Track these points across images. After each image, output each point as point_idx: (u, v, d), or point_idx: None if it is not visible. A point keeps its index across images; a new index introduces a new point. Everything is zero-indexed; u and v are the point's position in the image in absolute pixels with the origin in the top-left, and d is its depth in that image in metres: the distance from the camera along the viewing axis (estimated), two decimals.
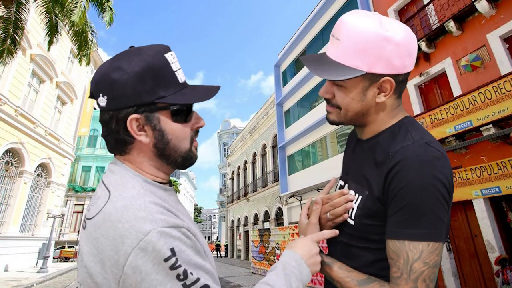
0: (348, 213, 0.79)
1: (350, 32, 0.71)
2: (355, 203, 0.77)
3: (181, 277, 0.52)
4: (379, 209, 0.71)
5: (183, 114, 0.66)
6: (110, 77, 0.61)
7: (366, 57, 0.70)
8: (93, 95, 0.65)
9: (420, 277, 0.62)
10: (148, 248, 0.51)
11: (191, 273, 0.53)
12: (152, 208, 0.56)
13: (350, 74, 0.71)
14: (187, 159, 0.69)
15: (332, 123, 0.84)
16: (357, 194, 0.78)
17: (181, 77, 0.66)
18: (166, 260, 0.51)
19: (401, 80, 0.74)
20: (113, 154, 0.68)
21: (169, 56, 0.65)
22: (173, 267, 0.51)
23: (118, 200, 0.57)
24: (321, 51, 10.98)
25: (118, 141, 0.64)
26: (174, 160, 0.67)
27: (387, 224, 0.68)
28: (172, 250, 0.52)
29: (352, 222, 0.77)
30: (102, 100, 0.62)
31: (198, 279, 0.53)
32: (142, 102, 0.61)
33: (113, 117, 0.62)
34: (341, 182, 0.89)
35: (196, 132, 0.71)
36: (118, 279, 0.53)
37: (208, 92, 0.67)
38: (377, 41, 0.69)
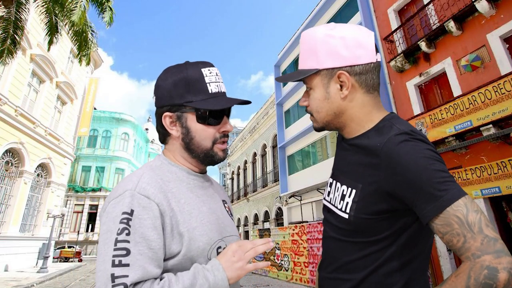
0: (341, 206, 0.79)
1: (303, 40, 0.83)
2: (350, 197, 0.77)
3: (119, 231, 0.63)
4: (376, 202, 0.72)
5: (205, 117, 0.79)
6: (158, 82, 0.82)
7: (316, 55, 0.78)
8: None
9: (482, 224, 0.60)
10: (119, 201, 0.67)
11: (127, 234, 0.63)
12: (145, 177, 0.72)
13: (305, 73, 0.79)
14: (208, 156, 0.82)
15: (316, 130, 0.88)
16: (349, 188, 0.78)
17: (212, 88, 0.80)
18: (123, 213, 0.65)
19: (359, 72, 0.77)
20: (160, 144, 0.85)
21: (205, 70, 0.80)
22: (122, 221, 0.64)
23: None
24: None
25: (160, 132, 0.84)
26: (197, 155, 0.82)
27: (420, 211, 0.66)
28: (132, 210, 0.65)
29: (346, 216, 0.77)
30: (154, 99, 0.83)
31: (127, 241, 0.63)
32: (173, 103, 0.79)
33: (157, 113, 0.82)
34: (330, 180, 0.90)
35: (224, 135, 0.84)
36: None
37: (226, 103, 0.79)
38: (322, 39, 0.78)
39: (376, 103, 0.81)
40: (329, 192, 0.88)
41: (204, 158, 0.82)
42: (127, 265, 0.61)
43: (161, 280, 0.64)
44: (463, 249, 0.60)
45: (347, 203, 0.77)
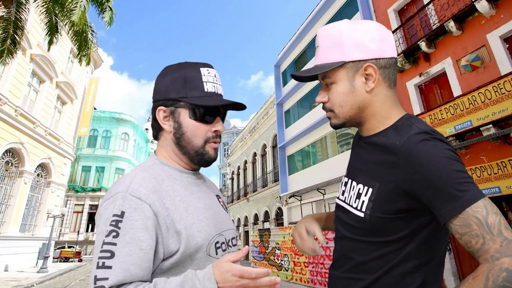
0: (356, 205, 0.78)
1: (324, 34, 0.81)
2: (366, 195, 0.76)
3: (107, 233, 0.63)
4: (393, 201, 0.71)
5: (197, 113, 0.80)
6: (157, 78, 0.85)
7: (341, 48, 0.77)
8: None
9: (501, 226, 0.59)
10: (110, 204, 0.67)
11: (114, 236, 0.63)
12: (137, 179, 0.72)
13: (330, 66, 0.77)
14: (199, 154, 0.81)
15: (335, 127, 0.85)
16: (366, 187, 0.77)
17: (208, 87, 0.81)
18: (113, 215, 0.65)
19: (384, 66, 0.78)
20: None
21: (204, 70, 0.82)
22: (111, 223, 0.64)
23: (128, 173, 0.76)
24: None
25: (153, 127, 0.85)
26: (187, 151, 0.81)
27: (438, 211, 0.64)
28: (122, 212, 0.65)
29: (361, 215, 0.75)
30: (152, 94, 0.85)
31: (113, 244, 0.62)
32: (168, 98, 0.80)
33: (152, 107, 0.83)
34: (345, 179, 0.88)
35: (216, 135, 0.83)
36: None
37: (219, 101, 0.80)
38: (348, 31, 0.77)
39: (395, 99, 0.82)
40: (343, 191, 0.87)
41: (194, 156, 0.81)
42: (110, 267, 0.60)
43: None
44: (481, 251, 0.59)
45: (363, 201, 0.76)
